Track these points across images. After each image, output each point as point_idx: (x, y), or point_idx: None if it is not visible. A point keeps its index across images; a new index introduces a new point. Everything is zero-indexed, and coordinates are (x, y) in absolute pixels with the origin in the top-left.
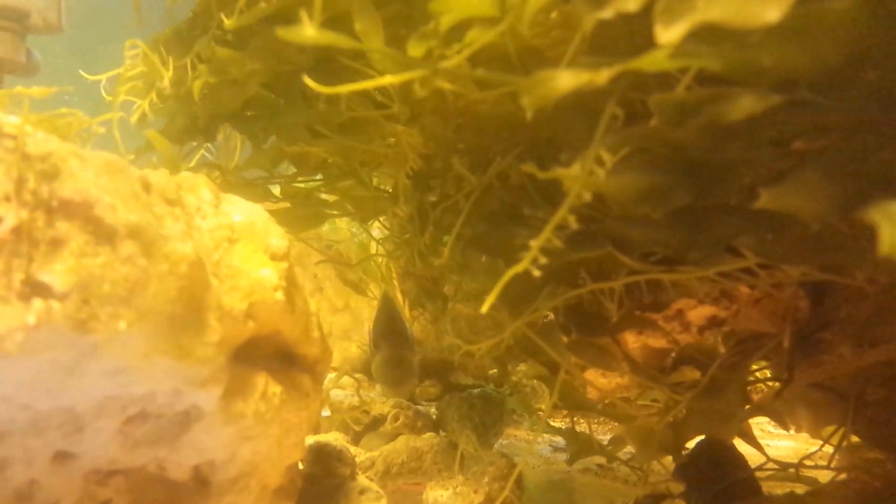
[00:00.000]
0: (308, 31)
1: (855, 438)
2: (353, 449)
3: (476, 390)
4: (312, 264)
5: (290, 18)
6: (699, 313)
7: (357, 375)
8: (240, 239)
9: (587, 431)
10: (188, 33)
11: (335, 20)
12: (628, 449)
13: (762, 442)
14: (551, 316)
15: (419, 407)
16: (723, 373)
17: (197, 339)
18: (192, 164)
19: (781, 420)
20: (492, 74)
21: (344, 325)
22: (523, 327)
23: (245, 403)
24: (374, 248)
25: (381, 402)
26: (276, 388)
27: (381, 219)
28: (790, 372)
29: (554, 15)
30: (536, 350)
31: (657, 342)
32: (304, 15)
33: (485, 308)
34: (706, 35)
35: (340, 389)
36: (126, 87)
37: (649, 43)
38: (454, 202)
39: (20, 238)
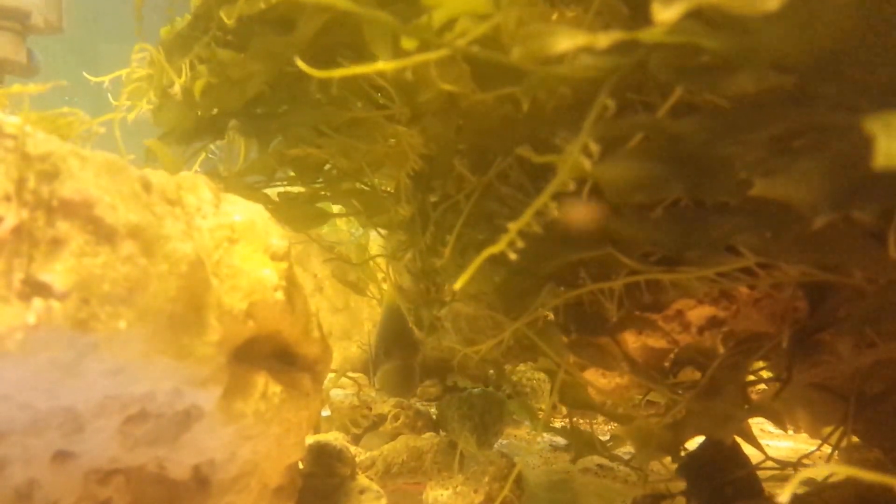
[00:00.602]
0: None
1: (854, 438)
2: (353, 448)
3: (476, 390)
4: (312, 264)
5: (290, 19)
6: (699, 313)
7: (356, 375)
8: (240, 239)
9: (588, 430)
10: (189, 33)
11: (336, 20)
12: (628, 448)
13: (762, 442)
14: (551, 316)
15: (419, 407)
16: (722, 373)
17: (197, 338)
18: (196, 167)
19: (780, 421)
20: (485, 52)
21: (344, 325)
22: (523, 328)
23: (245, 403)
24: (374, 248)
25: (381, 401)
26: (276, 388)
27: (381, 221)
28: (788, 372)
29: (555, 17)
30: (536, 350)
31: (657, 342)
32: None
33: (458, 285)
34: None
35: (340, 389)
36: (131, 87)
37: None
38: (455, 202)
39: (20, 238)
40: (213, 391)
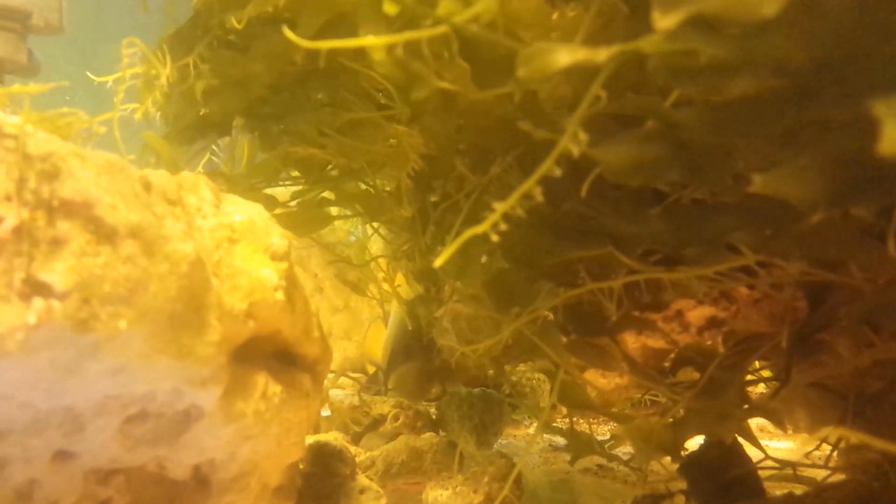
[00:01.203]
0: None
1: (854, 439)
2: (353, 448)
3: (476, 390)
4: (312, 264)
5: (290, 19)
6: (698, 314)
7: (356, 375)
8: (240, 239)
9: (587, 431)
10: (189, 33)
11: (336, 20)
12: (628, 448)
13: (761, 442)
14: (550, 316)
15: (419, 407)
16: (722, 373)
17: (197, 338)
18: (199, 168)
19: (779, 421)
20: (486, 33)
21: (344, 325)
22: (522, 328)
23: (245, 403)
24: (375, 249)
25: (381, 401)
26: (276, 388)
27: (380, 222)
28: (788, 372)
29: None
30: (535, 350)
31: (656, 342)
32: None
33: (438, 262)
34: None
35: (340, 389)
36: (126, 86)
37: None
38: (455, 202)
39: (21, 237)
40: (213, 391)
